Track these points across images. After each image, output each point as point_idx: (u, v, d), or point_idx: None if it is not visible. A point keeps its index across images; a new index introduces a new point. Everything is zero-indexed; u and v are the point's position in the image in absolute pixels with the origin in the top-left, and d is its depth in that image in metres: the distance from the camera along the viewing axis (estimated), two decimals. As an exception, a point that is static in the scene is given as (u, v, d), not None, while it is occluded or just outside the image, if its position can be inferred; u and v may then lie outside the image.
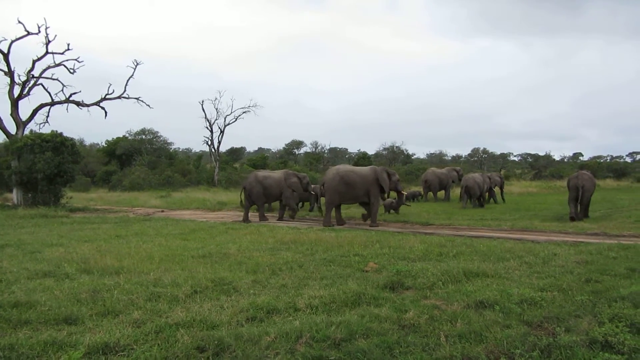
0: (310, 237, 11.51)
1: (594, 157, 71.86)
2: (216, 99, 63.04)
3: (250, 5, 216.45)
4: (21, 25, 25.89)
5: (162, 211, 22.06)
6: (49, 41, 26.67)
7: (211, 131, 45.31)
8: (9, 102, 25.84)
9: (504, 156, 71.36)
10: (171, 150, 53.13)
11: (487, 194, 24.24)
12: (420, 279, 6.80)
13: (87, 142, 58.14)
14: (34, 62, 26.58)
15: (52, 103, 27.50)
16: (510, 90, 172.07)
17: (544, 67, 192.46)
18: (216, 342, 4.27)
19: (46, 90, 27.37)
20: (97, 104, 28.66)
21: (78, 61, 27.85)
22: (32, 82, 26.55)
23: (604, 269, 7.28)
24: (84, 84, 41.83)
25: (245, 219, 17.66)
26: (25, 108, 36.14)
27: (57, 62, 27.37)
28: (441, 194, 28.16)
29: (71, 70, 27.67)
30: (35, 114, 26.61)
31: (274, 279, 7.07)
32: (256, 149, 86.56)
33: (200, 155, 60.37)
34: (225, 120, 45.40)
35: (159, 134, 51.02)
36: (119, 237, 12.28)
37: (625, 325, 4.62)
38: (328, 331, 4.54)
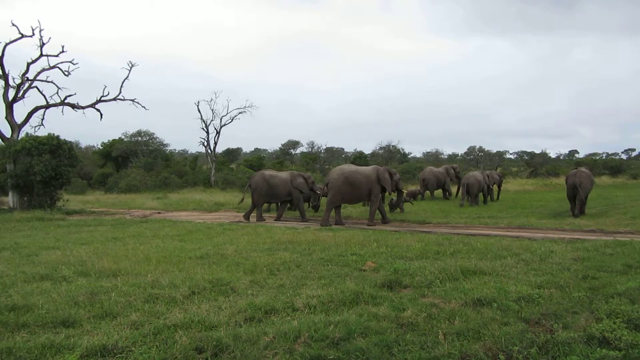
0: (307, 237, 11.51)
1: (590, 155, 72.19)
2: (212, 99, 62.86)
3: (243, 4, 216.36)
4: (15, 28, 25.71)
5: (159, 213, 22.02)
6: (44, 43, 26.58)
7: (207, 132, 45.23)
8: (3, 105, 25.72)
9: (500, 154, 71.41)
10: (167, 152, 53.02)
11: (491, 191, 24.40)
12: (417, 277, 6.81)
13: (83, 144, 58.00)
14: (28, 64, 26.48)
15: (47, 106, 27.41)
16: (506, 89, 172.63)
17: (539, 64, 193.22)
18: (214, 342, 4.27)
19: (41, 92, 27.29)
20: (92, 106, 28.58)
21: (73, 63, 27.76)
22: (26, 84, 26.44)
23: (600, 266, 7.31)
24: (79, 86, 41.61)
25: (259, 218, 18.05)
26: (20, 111, 36.08)
27: (51, 65, 27.26)
28: (438, 192, 28.20)
29: (66, 73, 27.59)
30: (30, 117, 26.52)
31: (272, 279, 7.07)
32: (252, 149, 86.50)
33: (196, 157, 60.22)
34: (221, 121, 45.30)
35: (154, 136, 50.93)
36: (115, 240, 12.25)
37: (622, 321, 4.64)
38: (326, 331, 4.54)
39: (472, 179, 22.49)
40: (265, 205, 20.93)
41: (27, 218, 18.98)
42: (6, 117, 25.58)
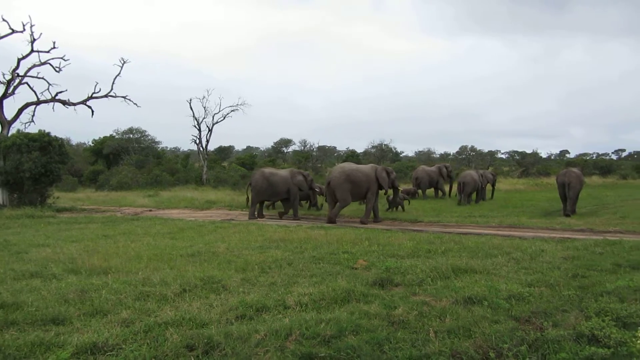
0: (299, 235, 11.51)
1: (581, 155, 72.66)
2: (204, 97, 62.57)
3: (235, 2, 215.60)
4: (5, 23, 25.48)
5: (150, 210, 21.93)
6: (34, 39, 26.37)
7: (199, 130, 45.03)
8: (-7, 101, 25.51)
9: (491, 154, 71.79)
10: (159, 149, 52.78)
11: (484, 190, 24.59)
12: (409, 275, 6.83)
13: (74, 141, 57.60)
14: (19, 60, 26.25)
15: (38, 102, 27.19)
16: (497, 89, 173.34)
17: (530, 65, 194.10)
18: (205, 340, 4.26)
19: (32, 89, 27.05)
20: (83, 102, 28.39)
21: (64, 59, 27.53)
22: (17, 81, 26.21)
23: (590, 265, 7.37)
24: (70, 82, 41.30)
25: (260, 215, 18.22)
26: (10, 107, 35.53)
27: (42, 61, 27.04)
28: (430, 191, 28.27)
29: (57, 69, 27.39)
30: (20, 113, 26.29)
31: (264, 277, 7.06)
32: (244, 147, 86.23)
33: (188, 154, 60.03)
34: (213, 119, 45.15)
35: (146, 133, 50.68)
36: (106, 237, 12.19)
37: (611, 319, 4.68)
38: (318, 328, 4.54)
39: (469, 178, 22.67)
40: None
41: (16, 215, 18.83)
42: (-4, 114, 25.36)
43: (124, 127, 50.47)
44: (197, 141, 45.43)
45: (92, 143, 51.03)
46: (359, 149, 60.46)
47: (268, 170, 19.10)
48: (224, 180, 36.80)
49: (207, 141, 45.57)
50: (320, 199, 21.94)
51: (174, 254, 9.18)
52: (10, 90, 25.88)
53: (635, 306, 5.09)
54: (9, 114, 25.88)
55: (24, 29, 26.08)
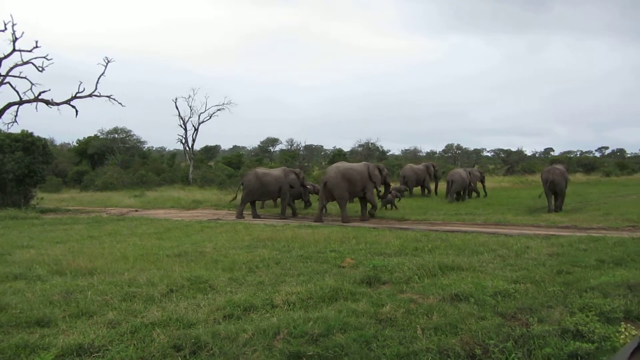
0: (286, 234, 11.50)
1: (565, 152, 73.49)
2: (190, 96, 62.24)
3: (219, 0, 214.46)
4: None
5: (136, 211, 21.77)
6: (16, 38, 25.99)
7: (185, 129, 44.85)
8: (-25, 101, 25.13)
9: (477, 152, 72.33)
10: (144, 149, 52.40)
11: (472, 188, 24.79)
12: (396, 273, 6.86)
13: (58, 141, 57.03)
14: (0, 60, 25.89)
15: (21, 102, 26.80)
16: (482, 87, 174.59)
17: (513, 63, 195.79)
18: (193, 340, 4.25)
19: (14, 88, 26.63)
20: (67, 102, 28.04)
21: (47, 59, 27.14)
22: (-1, 80, 25.84)
23: (574, 261, 7.46)
24: (53, 81, 40.86)
25: (255, 215, 18.15)
26: (-8, 107, 35.12)
27: (25, 60, 26.66)
28: (417, 189, 28.38)
29: (40, 68, 27.01)
30: (2, 114, 25.91)
31: (251, 277, 7.05)
32: (231, 146, 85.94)
33: (174, 154, 59.69)
34: (199, 118, 44.98)
35: (131, 133, 50.28)
36: (92, 238, 12.09)
37: (595, 314, 4.74)
38: (306, 327, 4.55)
39: (457, 176, 22.85)
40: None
41: (-1, 217, 18.59)
42: (-22, 114, 25.00)
43: (108, 126, 50.04)
44: (183, 141, 45.26)
45: (77, 143, 50.46)
46: (346, 148, 60.57)
47: (261, 170, 19.12)
48: (211, 179, 36.66)
49: (193, 140, 45.44)
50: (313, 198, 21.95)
51: (161, 254, 9.13)
52: (-8, 90, 25.51)
53: (619, 301, 5.16)
54: (-10, 114, 25.52)
55: (6, 28, 25.71)
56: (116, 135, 49.03)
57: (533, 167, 48.28)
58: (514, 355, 3.97)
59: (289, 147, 61.73)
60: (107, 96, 29.12)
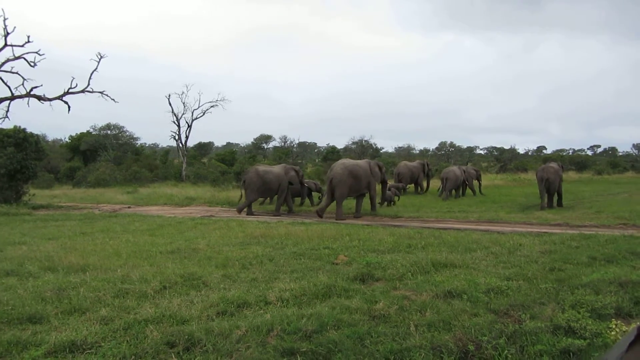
0: (280, 231, 11.49)
1: (557, 151, 73.81)
2: (183, 92, 62.00)
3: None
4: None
5: (129, 207, 21.67)
6: (8, 33, 25.79)
7: (178, 126, 44.68)
8: (-34, 96, 24.92)
9: (470, 150, 72.56)
10: (137, 146, 52.24)
11: (466, 186, 24.93)
12: (389, 270, 6.87)
13: (50, 137, 56.72)
14: (-8, 54, 25.69)
15: (12, 97, 26.60)
16: (476, 86, 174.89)
17: (507, 62, 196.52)
18: (186, 337, 4.24)
19: (5, 84, 26.43)
20: (59, 98, 27.85)
21: (39, 54, 26.94)
22: (-10, 75, 25.63)
23: (566, 258, 7.50)
24: (44, 77, 40.49)
25: (249, 212, 18.08)
26: (-17, 103, 34.81)
27: (16, 55, 26.47)
28: (410, 186, 28.43)
29: (32, 64, 26.81)
30: (-6, 109, 25.74)
31: (244, 273, 7.04)
32: (224, 143, 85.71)
33: (167, 150, 59.46)
34: (192, 115, 44.82)
35: (124, 129, 50.13)
36: (84, 234, 12.03)
37: (587, 311, 4.78)
38: (299, 323, 4.55)
39: (451, 174, 23.04)
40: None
41: (-9, 213, 18.45)
42: (-31, 109, 24.79)
43: (101, 122, 49.86)
44: (177, 137, 45.08)
45: (69, 139, 50.21)
46: (340, 145, 60.61)
47: (262, 168, 19.11)
48: (204, 176, 36.59)
49: (187, 137, 45.31)
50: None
51: (154, 250, 9.10)
52: (-17, 86, 25.28)
53: (610, 298, 5.20)
54: (-18, 109, 25.32)
55: (-3, 23, 25.50)
56: (109, 132, 48.87)
57: (526, 165, 48.53)
58: (506, 351, 3.99)
59: (283, 144, 61.67)
60: (100, 92, 28.99)
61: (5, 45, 25.96)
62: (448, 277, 6.47)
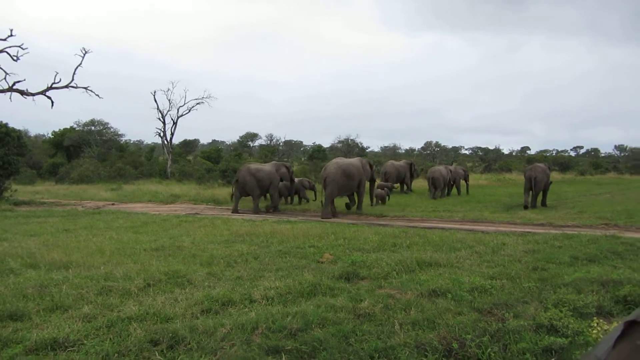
0: (265, 229, 11.46)
1: (541, 151, 74.56)
2: (169, 89, 61.39)
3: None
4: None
5: (113, 204, 21.47)
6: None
7: (164, 123, 44.27)
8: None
9: (455, 149, 73.01)
10: (122, 142, 51.66)
11: (453, 185, 25.18)
12: (375, 269, 6.89)
13: (32, 132, 55.86)
14: (-27, 49, 25.23)
15: (-6, 92, 26.19)
16: (460, 86, 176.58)
17: (491, 63, 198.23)
18: (170, 335, 4.21)
19: (-13, 78, 26.01)
20: (43, 93, 27.45)
21: (22, 48, 26.52)
22: (-29, 69, 25.18)
23: (549, 258, 7.58)
24: (26, 70, 39.93)
25: (235, 210, 18.01)
26: (-36, 97, 34.22)
27: (-1, 49, 26.03)
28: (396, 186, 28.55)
29: (14, 58, 26.40)
30: (-25, 103, 25.31)
31: (229, 271, 7.02)
32: (210, 141, 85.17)
33: (152, 147, 58.91)
34: (178, 112, 44.46)
35: (108, 125, 49.50)
36: (67, 231, 11.89)
37: (569, 309, 4.84)
38: (284, 322, 4.54)
39: (437, 173, 23.32)
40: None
41: (-29, 209, 18.15)
42: (-51, 103, 24.35)
43: (85, 118, 49.23)
44: (162, 134, 44.69)
45: (52, 135, 49.48)
46: (325, 144, 60.57)
47: (254, 166, 19.20)
48: (189, 174, 36.35)
49: (172, 134, 44.90)
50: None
51: (138, 248, 9.03)
52: (-36, 79, 24.85)
53: (591, 297, 5.27)
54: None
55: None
56: (93, 128, 48.21)
57: (510, 166, 48.94)
58: (490, 349, 4.02)
59: (269, 142, 61.50)
60: (85, 87, 28.61)
61: (-13, 38, 25.53)
62: (432, 276, 6.50)
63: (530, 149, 78.93)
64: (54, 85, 27.69)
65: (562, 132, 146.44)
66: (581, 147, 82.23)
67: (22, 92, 26.78)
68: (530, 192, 18.15)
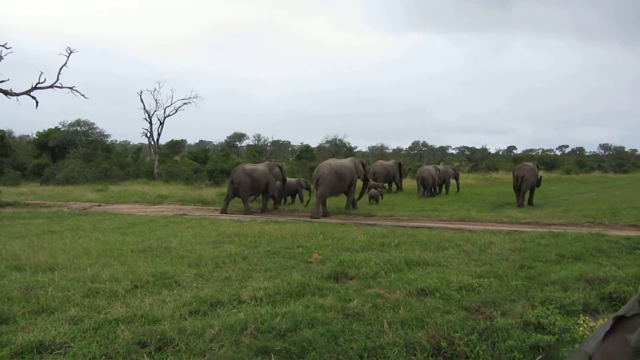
0: (253, 229, 11.43)
1: (527, 150, 75.23)
2: (155, 89, 61.00)
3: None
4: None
5: (99, 205, 21.28)
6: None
7: (150, 123, 43.99)
8: None
9: (442, 149, 73.47)
10: (108, 143, 51.21)
11: (442, 184, 25.39)
12: (363, 268, 6.90)
13: (16, 133, 55.14)
14: (-44, 48, 24.85)
15: (-23, 92, 25.81)
16: (446, 85, 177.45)
17: (476, 62, 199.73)
18: (158, 336, 4.18)
19: (-30, 78, 25.62)
20: (27, 93, 27.12)
21: (5, 47, 26.22)
22: (-46, 69, 24.78)
23: (536, 256, 7.64)
24: (9, 70, 39.35)
25: (224, 210, 17.95)
26: (-54, 97, 33.69)
27: (-19, 49, 25.66)
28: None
29: (-2, 58, 26.05)
30: (-42, 104, 24.97)
31: (217, 272, 6.99)
32: (197, 141, 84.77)
33: (139, 148, 58.46)
34: (165, 112, 44.19)
35: (94, 126, 49.02)
36: (52, 233, 11.76)
37: (556, 307, 4.88)
38: (273, 322, 4.53)
39: (426, 173, 23.50)
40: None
41: (-46, 211, 17.90)
42: None
43: (70, 119, 48.65)
44: (148, 134, 44.41)
45: (37, 135, 48.89)
46: (313, 144, 60.52)
47: (249, 166, 19.19)
48: (176, 174, 36.12)
49: (159, 134, 44.63)
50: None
51: (125, 249, 8.95)
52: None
53: (578, 294, 5.33)
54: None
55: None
56: (78, 128, 47.69)
57: (497, 165, 49.32)
58: (478, 347, 4.04)
59: (256, 142, 61.40)
60: (70, 87, 28.26)
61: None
62: (421, 275, 6.53)
63: (516, 148, 79.76)
64: (38, 85, 27.36)
65: (548, 131, 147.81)
66: (566, 146, 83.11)
67: (5, 92, 26.42)
68: (520, 191, 18.38)
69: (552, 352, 3.98)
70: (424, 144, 68.94)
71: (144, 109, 43.87)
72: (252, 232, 10.91)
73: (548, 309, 4.78)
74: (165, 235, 10.97)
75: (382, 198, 21.08)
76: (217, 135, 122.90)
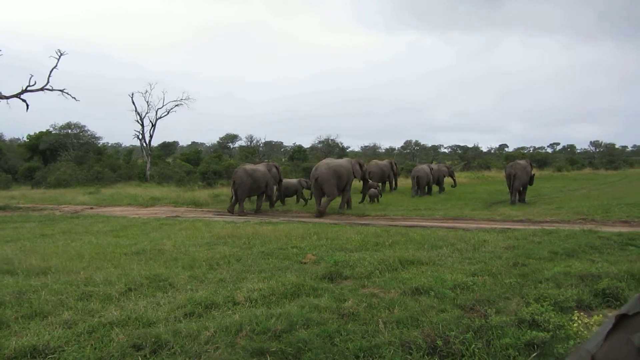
0: (247, 230, 11.41)
1: (518, 148, 75.55)
2: (147, 91, 60.80)
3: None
4: None
5: (92, 208, 21.17)
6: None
7: (142, 125, 43.77)
8: None
9: (435, 148, 73.73)
10: (99, 145, 50.97)
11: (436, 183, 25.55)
12: (357, 268, 6.91)
13: (7, 136, 54.82)
14: (-56, 51, 24.64)
15: (-33, 95, 25.61)
16: (438, 84, 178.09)
17: (468, 61, 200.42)
18: (153, 339, 4.16)
19: (-41, 81, 25.41)
20: (17, 96, 26.94)
21: (-5, 51, 26.06)
22: (-57, 72, 24.58)
23: (529, 253, 7.68)
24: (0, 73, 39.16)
25: (241, 211, 18.04)
26: None
27: (-29, 52, 25.45)
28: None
29: (-13, 61, 25.86)
30: (-53, 107, 24.75)
31: (212, 274, 6.96)
32: (189, 143, 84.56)
33: (131, 150, 58.22)
34: (157, 114, 44.00)
35: (85, 128, 48.78)
36: (44, 236, 11.68)
37: (550, 304, 4.90)
38: (268, 323, 4.52)
39: (422, 172, 23.73)
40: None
41: (-55, 215, 17.74)
42: None
43: (61, 121, 48.36)
44: (140, 137, 44.21)
45: (27, 138, 48.57)
46: (306, 144, 60.56)
47: (249, 167, 19.31)
48: (169, 176, 35.97)
49: (151, 136, 44.42)
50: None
51: (118, 252, 8.91)
52: None
53: (571, 291, 5.36)
54: None
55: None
56: (69, 131, 47.44)
57: (489, 163, 49.52)
58: (473, 345, 4.05)
59: (249, 143, 61.32)
60: (61, 90, 28.14)
61: (-41, 41, 24.95)
62: (415, 274, 6.54)
63: (508, 146, 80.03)
64: (28, 88, 27.19)
65: (539, 129, 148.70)
66: (558, 144, 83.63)
67: (-5, 96, 26.22)
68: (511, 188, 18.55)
69: (547, 349, 4.00)
70: (417, 143, 69.14)
71: (136, 110, 43.66)
72: (246, 234, 10.89)
73: (542, 306, 4.80)
74: (159, 238, 10.93)
75: (381, 196, 21.31)
76: (210, 137, 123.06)
